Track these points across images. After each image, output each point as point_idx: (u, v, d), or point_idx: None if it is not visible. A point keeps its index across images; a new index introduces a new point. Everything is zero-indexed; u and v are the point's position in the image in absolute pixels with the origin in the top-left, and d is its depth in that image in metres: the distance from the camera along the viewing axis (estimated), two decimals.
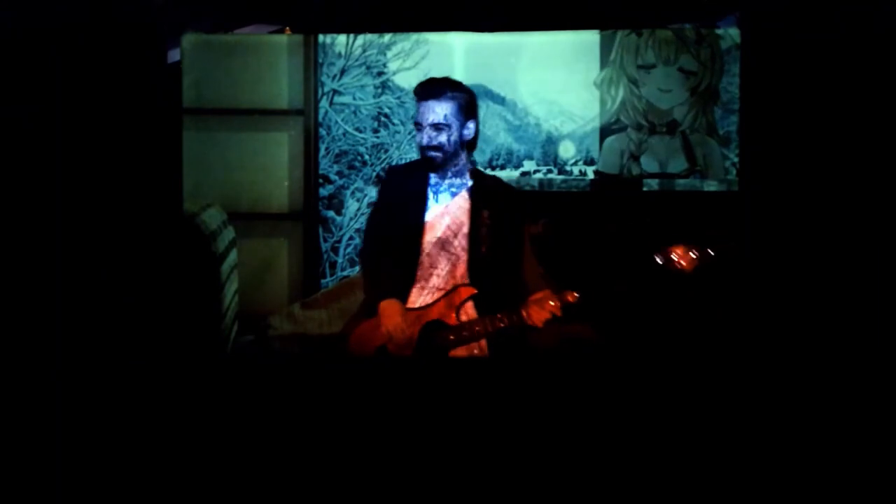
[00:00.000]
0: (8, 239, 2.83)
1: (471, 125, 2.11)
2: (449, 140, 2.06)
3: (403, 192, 2.14)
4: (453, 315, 2.03)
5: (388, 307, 2.06)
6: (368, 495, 2.13)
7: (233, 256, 3.09)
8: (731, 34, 3.02)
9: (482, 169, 2.62)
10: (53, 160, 2.92)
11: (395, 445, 1.96)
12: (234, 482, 2.36)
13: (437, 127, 2.06)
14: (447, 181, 2.12)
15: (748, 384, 2.94)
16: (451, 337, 1.99)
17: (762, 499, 2.28)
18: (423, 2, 3.03)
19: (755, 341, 2.99)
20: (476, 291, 2.04)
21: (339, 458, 2.39)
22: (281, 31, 3.10)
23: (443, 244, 2.09)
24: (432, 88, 2.08)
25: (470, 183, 2.13)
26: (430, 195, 2.12)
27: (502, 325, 1.98)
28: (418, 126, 2.08)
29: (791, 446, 2.53)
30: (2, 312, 2.76)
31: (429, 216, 2.10)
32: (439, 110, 2.05)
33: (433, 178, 2.11)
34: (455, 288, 2.06)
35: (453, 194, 2.11)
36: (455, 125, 2.08)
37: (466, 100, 2.11)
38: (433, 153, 2.06)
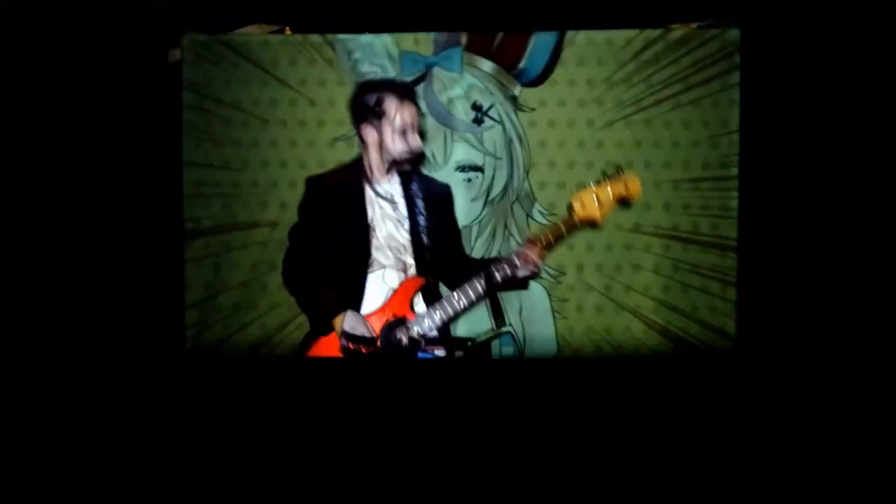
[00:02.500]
0: (9, 238, 2.84)
1: None
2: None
3: (340, 201, 2.13)
4: (408, 308, 2.03)
5: (348, 322, 2.05)
6: (368, 492, 2.14)
7: (233, 256, 3.10)
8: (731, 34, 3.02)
9: None
10: (54, 159, 2.93)
11: (391, 444, 1.96)
12: (234, 480, 2.37)
13: (420, 131, 2.09)
14: (384, 182, 2.12)
15: (745, 381, 2.94)
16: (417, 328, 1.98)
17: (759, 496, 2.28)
18: (424, 2, 3.03)
19: (753, 338, 2.99)
20: (424, 281, 2.04)
21: (337, 456, 2.39)
22: (281, 31, 3.10)
23: (388, 243, 2.08)
24: (412, 88, 2.09)
25: (399, 180, 2.12)
26: (369, 198, 2.12)
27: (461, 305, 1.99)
28: (403, 128, 2.06)
29: (789, 450, 2.53)
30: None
31: (372, 218, 2.10)
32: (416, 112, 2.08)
33: (369, 182, 2.11)
34: (403, 282, 2.05)
35: (389, 193, 2.12)
36: None
37: None
38: (416, 160, 2.07)
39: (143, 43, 3.03)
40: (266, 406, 2.89)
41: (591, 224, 2.12)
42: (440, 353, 2.06)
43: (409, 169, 2.10)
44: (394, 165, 2.12)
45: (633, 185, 2.18)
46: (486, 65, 3.09)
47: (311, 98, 3.10)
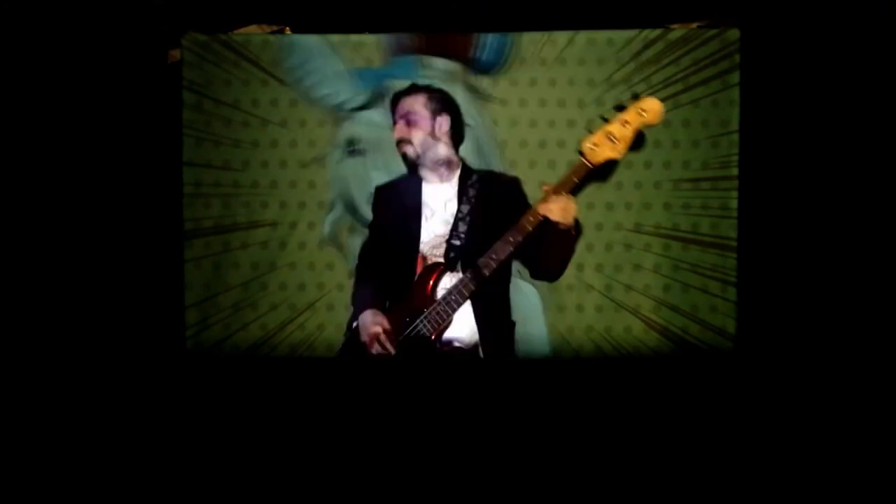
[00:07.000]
0: (8, 239, 2.84)
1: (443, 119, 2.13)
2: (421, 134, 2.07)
3: (399, 208, 2.10)
4: (427, 293, 1.99)
5: (363, 320, 2.02)
6: (367, 492, 2.14)
7: (233, 256, 3.10)
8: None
9: None
10: (54, 159, 2.93)
11: (390, 444, 1.96)
12: (234, 479, 2.37)
13: (407, 119, 2.09)
14: (441, 182, 2.10)
15: (745, 381, 2.94)
16: (437, 316, 1.92)
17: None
18: (423, 1, 3.03)
19: (752, 338, 2.99)
20: (443, 264, 1.99)
21: (337, 456, 2.39)
22: (281, 31, 3.10)
23: (434, 244, 2.05)
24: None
25: (457, 180, 2.11)
26: (424, 202, 2.09)
27: (478, 278, 1.92)
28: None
29: (789, 449, 2.53)
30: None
31: (424, 221, 2.06)
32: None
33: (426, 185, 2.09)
34: (422, 269, 2.01)
35: (442, 194, 2.09)
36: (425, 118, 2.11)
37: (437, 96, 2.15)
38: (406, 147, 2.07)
39: (143, 43, 3.03)
40: (266, 406, 2.89)
41: (610, 165, 1.92)
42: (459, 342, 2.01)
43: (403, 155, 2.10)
44: (437, 167, 2.11)
45: (650, 107, 1.90)
46: (441, 62, 3.07)
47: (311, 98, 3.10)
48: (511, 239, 1.92)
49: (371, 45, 3.07)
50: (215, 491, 2.35)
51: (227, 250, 3.10)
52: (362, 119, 3.09)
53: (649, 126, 1.95)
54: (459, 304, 1.97)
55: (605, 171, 1.96)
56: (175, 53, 3.06)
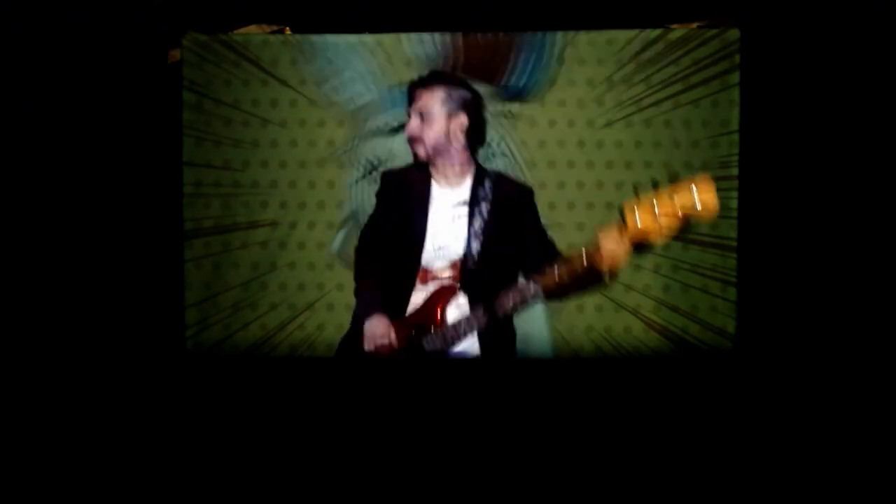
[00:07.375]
0: (7, 239, 2.84)
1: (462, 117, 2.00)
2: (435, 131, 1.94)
3: (406, 200, 1.99)
4: (437, 316, 1.93)
5: (371, 327, 1.95)
6: (366, 493, 2.14)
7: (233, 256, 3.10)
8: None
9: None
10: (54, 159, 2.93)
11: (390, 444, 1.96)
12: (234, 479, 2.37)
13: (422, 115, 1.96)
14: (452, 183, 1.98)
15: (745, 381, 2.94)
16: (444, 340, 1.89)
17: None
18: (423, 1, 3.03)
19: (752, 338, 2.99)
20: (457, 288, 1.93)
21: (337, 456, 2.40)
22: (281, 31, 3.10)
23: (443, 250, 1.97)
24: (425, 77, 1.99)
25: (471, 181, 2.00)
26: (433, 200, 1.99)
27: (492, 317, 1.87)
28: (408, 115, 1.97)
29: (789, 449, 2.54)
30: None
31: (432, 221, 1.97)
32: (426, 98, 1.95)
33: (436, 183, 1.98)
34: (435, 290, 1.95)
35: (456, 196, 1.99)
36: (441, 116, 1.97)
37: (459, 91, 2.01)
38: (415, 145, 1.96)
39: (143, 43, 3.03)
40: (266, 406, 2.89)
41: (645, 243, 1.74)
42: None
43: (414, 154, 2.00)
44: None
45: (708, 205, 1.64)
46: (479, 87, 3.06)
47: (311, 98, 3.10)
48: (532, 288, 1.84)
49: (403, 55, 3.05)
50: (215, 491, 2.35)
51: (227, 250, 3.11)
52: (391, 143, 3.05)
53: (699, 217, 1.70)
54: (467, 334, 1.93)
55: (639, 245, 1.78)
56: (175, 53, 3.06)
